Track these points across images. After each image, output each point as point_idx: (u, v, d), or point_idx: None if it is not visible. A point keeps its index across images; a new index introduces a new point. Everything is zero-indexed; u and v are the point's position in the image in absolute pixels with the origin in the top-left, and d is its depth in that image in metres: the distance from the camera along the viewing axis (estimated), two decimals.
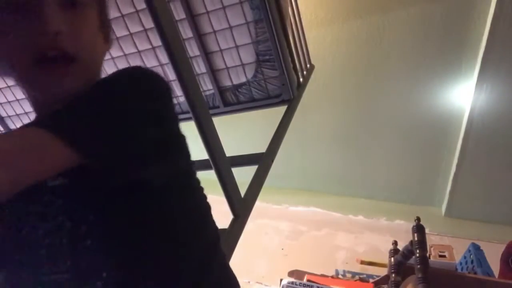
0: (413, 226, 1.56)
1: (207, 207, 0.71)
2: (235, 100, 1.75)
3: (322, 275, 2.26)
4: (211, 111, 1.66)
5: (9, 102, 2.07)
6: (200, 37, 1.62)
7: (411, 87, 2.77)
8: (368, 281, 2.14)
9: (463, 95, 2.62)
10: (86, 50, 0.56)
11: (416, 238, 1.51)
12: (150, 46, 1.68)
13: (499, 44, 2.28)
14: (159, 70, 1.74)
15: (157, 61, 1.71)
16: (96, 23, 0.59)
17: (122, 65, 1.77)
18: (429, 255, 1.85)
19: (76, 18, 0.55)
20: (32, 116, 2.01)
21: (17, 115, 2.11)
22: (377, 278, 1.98)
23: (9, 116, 2.13)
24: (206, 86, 1.75)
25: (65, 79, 0.55)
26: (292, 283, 1.93)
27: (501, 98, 2.46)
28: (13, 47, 0.53)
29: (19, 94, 1.98)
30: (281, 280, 2.03)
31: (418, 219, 1.58)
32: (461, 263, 2.07)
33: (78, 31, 0.55)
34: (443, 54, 2.57)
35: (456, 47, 2.51)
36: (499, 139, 2.61)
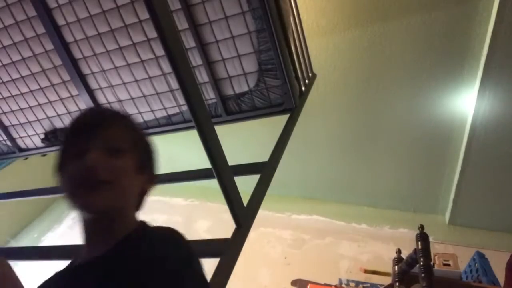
0: (417, 234, 1.56)
1: None
2: (238, 109, 1.76)
3: (326, 285, 2.25)
4: (213, 120, 1.67)
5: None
6: (202, 46, 1.64)
7: (413, 95, 2.77)
8: None
9: (465, 102, 2.63)
10: (117, 178, 0.67)
11: (420, 247, 1.50)
12: (153, 56, 1.70)
13: (501, 51, 2.29)
14: (161, 80, 1.75)
15: (160, 70, 1.73)
16: (133, 162, 0.71)
17: (124, 74, 1.78)
18: (433, 263, 1.83)
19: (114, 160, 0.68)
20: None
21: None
22: (381, 287, 1.96)
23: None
24: (209, 95, 1.76)
25: (93, 199, 0.66)
26: None
27: (504, 105, 2.45)
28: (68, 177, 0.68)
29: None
30: None
31: (422, 227, 1.58)
32: (465, 272, 2.05)
33: (113, 165, 0.68)
34: (445, 62, 2.57)
35: (458, 54, 2.51)
36: (502, 146, 2.60)
